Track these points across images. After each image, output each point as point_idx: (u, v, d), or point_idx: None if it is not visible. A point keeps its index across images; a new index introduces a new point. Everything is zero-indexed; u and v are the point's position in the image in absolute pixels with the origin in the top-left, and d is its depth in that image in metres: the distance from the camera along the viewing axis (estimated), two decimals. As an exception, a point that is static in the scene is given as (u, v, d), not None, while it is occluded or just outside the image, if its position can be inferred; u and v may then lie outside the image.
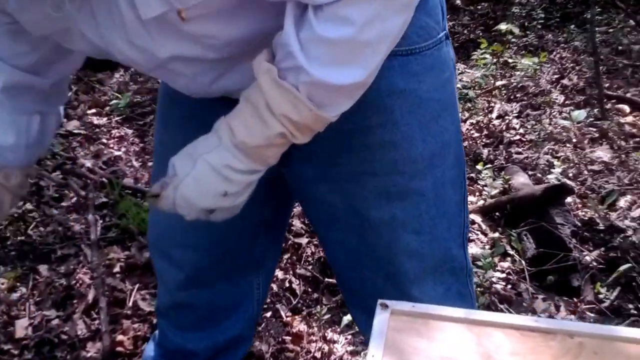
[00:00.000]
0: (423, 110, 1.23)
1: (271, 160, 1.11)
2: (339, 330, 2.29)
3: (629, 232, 2.82)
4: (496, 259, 2.61)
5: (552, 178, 3.18)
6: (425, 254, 1.31)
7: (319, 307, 2.39)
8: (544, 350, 0.91)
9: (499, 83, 4.17)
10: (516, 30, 4.64)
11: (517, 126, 3.80)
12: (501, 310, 2.40)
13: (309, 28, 0.98)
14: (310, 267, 2.57)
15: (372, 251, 1.32)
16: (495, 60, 4.06)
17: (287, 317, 2.35)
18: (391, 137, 1.22)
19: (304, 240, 2.70)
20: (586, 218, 2.91)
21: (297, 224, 2.79)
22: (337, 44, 0.98)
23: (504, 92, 4.15)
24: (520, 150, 3.55)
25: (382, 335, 0.92)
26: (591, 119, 3.89)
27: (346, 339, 2.26)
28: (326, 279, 2.50)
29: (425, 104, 1.23)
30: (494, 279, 2.52)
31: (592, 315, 2.43)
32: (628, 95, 4.35)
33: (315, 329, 2.30)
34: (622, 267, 2.55)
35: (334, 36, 0.97)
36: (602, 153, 3.60)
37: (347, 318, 2.25)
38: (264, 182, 1.19)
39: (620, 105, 4.19)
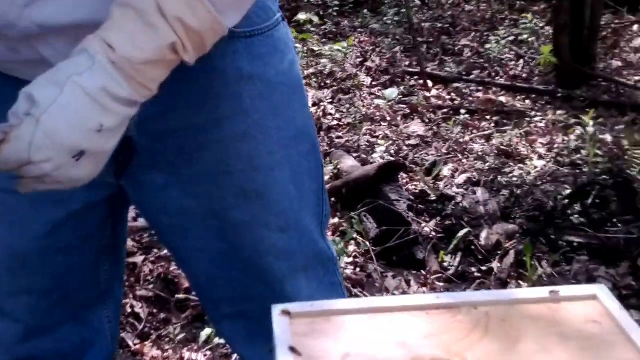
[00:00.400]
0: (274, 96, 1.14)
1: (153, 86, 0.90)
2: (196, 347, 2.15)
3: (459, 199, 2.91)
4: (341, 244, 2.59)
5: (376, 157, 3.22)
6: (294, 251, 1.22)
7: (170, 327, 2.23)
8: (455, 326, 0.87)
9: (309, 72, 4.19)
10: (315, 19, 4.69)
11: (333, 111, 3.83)
12: (356, 295, 2.37)
13: None
14: (151, 287, 2.40)
15: (237, 253, 1.21)
16: (305, 49, 4.07)
17: (135, 345, 2.17)
18: (244, 128, 1.11)
19: (139, 259, 2.52)
20: (417, 191, 2.97)
21: (128, 242, 2.60)
22: None
23: (315, 80, 4.17)
24: (340, 134, 3.58)
25: (288, 344, 0.82)
26: (400, 97, 4.01)
27: (205, 355, 2.12)
28: (177, 296, 2.34)
29: (275, 88, 1.14)
30: (343, 265, 2.49)
31: (441, 284, 2.48)
32: (427, 70, 4.54)
33: (170, 351, 2.14)
34: (460, 233, 2.62)
35: None
36: (416, 127, 3.72)
37: (205, 333, 2.12)
38: (100, 203, 1.06)
39: (423, 81, 4.36)
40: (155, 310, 2.32)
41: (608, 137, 3.56)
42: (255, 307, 1.25)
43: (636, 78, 4.47)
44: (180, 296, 2.31)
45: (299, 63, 1.26)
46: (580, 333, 0.86)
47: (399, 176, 3.02)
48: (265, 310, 1.26)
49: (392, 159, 3.17)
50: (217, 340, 2.11)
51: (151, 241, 2.58)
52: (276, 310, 0.89)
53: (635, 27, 5.59)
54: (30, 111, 0.84)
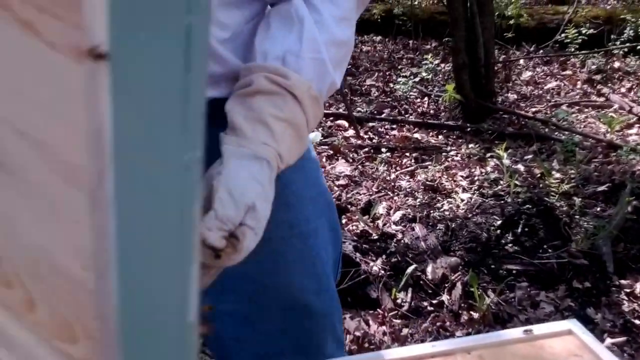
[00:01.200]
0: (307, 168, 1.22)
1: None
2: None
3: (399, 236, 3.02)
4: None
5: (312, 200, 3.28)
6: (326, 313, 1.28)
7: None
8: (453, 374, 0.94)
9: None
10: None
11: (259, 157, 3.86)
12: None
13: (325, 30, 0.98)
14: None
15: (270, 314, 1.24)
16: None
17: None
18: (284, 198, 1.16)
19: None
20: (359, 231, 3.05)
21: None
22: (343, 46, 1.01)
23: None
24: (271, 179, 3.62)
25: None
26: (321, 138, 4.10)
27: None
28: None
29: (307, 162, 1.21)
30: (302, 310, 2.53)
31: (398, 321, 2.56)
32: (340, 110, 4.68)
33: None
34: (408, 270, 2.72)
35: (344, 38, 1.00)
36: (342, 167, 3.81)
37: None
38: None
39: (339, 122, 4.48)
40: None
41: (520, 167, 3.79)
42: None
43: (533, 109, 4.79)
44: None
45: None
46: (567, 369, 0.95)
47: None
48: None
49: (329, 201, 3.25)
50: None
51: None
52: None
53: (521, 62, 5.98)
54: (247, 222, 0.93)
